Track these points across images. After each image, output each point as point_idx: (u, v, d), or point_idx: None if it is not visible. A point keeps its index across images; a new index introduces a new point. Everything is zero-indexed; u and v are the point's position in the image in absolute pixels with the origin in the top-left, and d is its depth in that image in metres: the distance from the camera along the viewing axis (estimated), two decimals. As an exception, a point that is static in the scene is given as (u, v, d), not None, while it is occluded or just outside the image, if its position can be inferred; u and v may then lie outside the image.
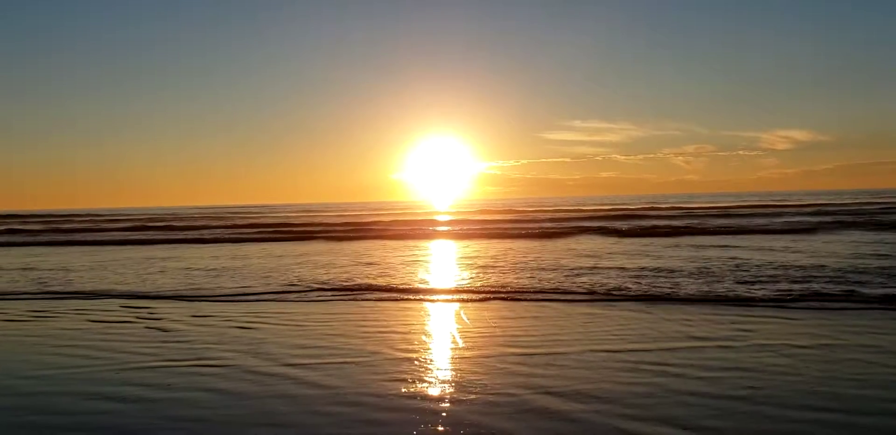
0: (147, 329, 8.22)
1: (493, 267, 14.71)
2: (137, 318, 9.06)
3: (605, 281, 11.68)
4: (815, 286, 10.37)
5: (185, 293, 11.53)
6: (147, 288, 12.30)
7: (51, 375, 5.99)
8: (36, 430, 4.57)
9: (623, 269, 13.59)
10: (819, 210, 40.02)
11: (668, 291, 10.32)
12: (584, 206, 71.57)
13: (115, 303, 10.47)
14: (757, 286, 10.56)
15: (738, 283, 11.03)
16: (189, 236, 29.89)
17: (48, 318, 9.27)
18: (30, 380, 5.87)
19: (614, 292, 10.33)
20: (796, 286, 10.44)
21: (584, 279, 12.04)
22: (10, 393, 5.48)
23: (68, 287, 12.65)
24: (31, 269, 16.67)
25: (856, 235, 21.69)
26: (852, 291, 9.78)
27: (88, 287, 12.57)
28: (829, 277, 11.35)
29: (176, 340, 7.47)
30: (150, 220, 54.64)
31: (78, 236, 31.18)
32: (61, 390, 5.50)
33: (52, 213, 79.46)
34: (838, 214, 34.19)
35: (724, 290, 10.25)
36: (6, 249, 25.86)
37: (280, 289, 11.83)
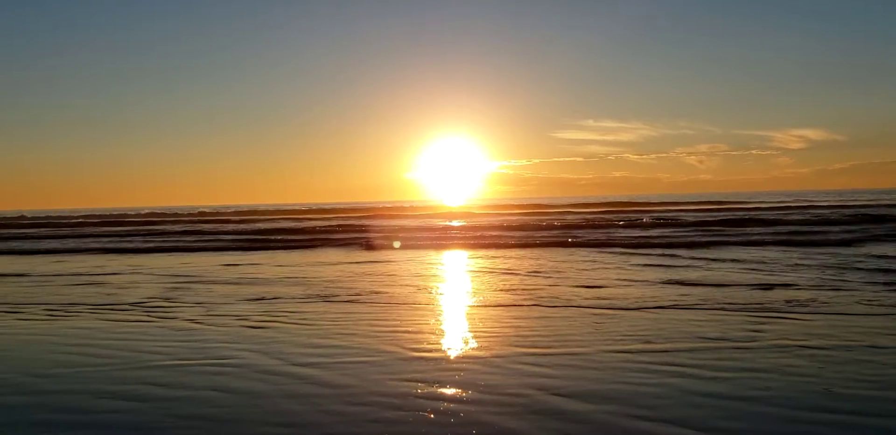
0: (160, 328, 8.27)
1: (505, 271, 14.72)
2: (151, 317, 9.12)
3: (617, 289, 11.65)
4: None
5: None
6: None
7: (65, 374, 6.04)
8: (50, 428, 4.61)
9: (646, 281, 13.55)
10: (845, 213, 36.17)
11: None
12: (605, 207, 71.17)
13: (128, 302, 10.56)
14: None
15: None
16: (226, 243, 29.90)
17: (62, 317, 9.35)
18: (44, 378, 5.92)
19: (626, 302, 10.29)
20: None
21: (598, 288, 12.02)
22: (25, 391, 5.53)
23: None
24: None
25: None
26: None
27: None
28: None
29: (189, 339, 7.51)
30: (169, 221, 54.90)
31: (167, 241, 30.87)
32: (75, 389, 5.54)
33: (85, 213, 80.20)
34: (869, 221, 29.52)
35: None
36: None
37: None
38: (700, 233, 25.31)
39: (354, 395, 5.18)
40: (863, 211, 37.90)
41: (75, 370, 6.17)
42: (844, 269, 12.74)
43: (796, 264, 13.80)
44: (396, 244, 22.98)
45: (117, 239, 30.25)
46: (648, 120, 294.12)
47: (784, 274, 12.26)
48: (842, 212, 38.11)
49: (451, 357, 6.41)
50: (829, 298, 9.29)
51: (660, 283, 11.46)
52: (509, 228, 31.72)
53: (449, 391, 5.23)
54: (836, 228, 24.89)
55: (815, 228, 25.23)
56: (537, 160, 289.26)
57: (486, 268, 14.85)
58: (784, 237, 21.25)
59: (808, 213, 38.22)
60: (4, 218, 68.42)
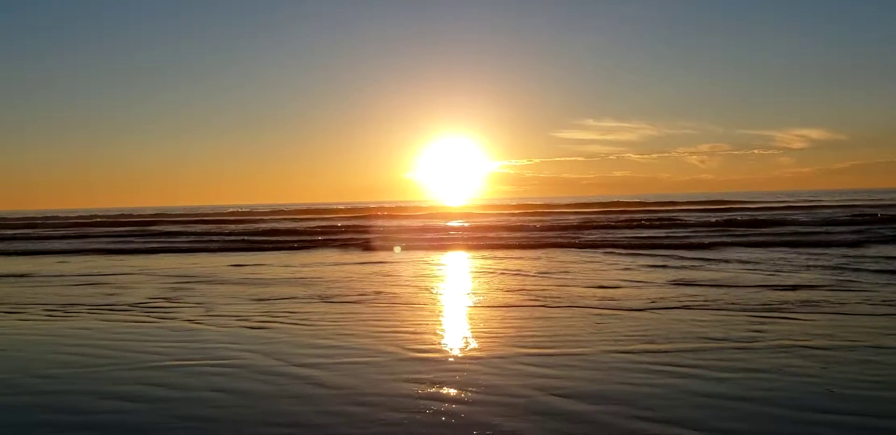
0: (160, 329, 8.26)
1: (504, 271, 14.71)
2: (151, 317, 9.11)
3: (620, 290, 11.63)
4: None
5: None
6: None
7: (64, 374, 6.03)
8: (50, 428, 4.60)
9: (645, 282, 13.53)
10: (849, 214, 35.71)
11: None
12: (607, 207, 70.98)
13: (127, 302, 10.55)
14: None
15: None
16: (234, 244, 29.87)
17: (62, 317, 9.34)
18: (44, 379, 5.91)
19: (627, 300, 10.27)
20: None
21: (602, 289, 12.00)
22: (25, 392, 5.52)
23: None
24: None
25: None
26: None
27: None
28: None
29: (189, 340, 7.50)
30: (177, 221, 54.89)
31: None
32: (75, 389, 5.53)
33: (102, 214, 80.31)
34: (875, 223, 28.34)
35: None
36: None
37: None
38: (704, 233, 25.26)
39: (355, 395, 5.17)
40: (867, 211, 37.82)
41: (75, 371, 6.16)
42: (851, 269, 12.71)
43: (802, 265, 13.78)
44: (397, 245, 22.98)
45: (118, 240, 30.27)
46: (650, 119, 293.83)
47: (789, 274, 12.24)
48: (845, 212, 38.04)
49: (452, 358, 6.40)
50: (834, 299, 9.26)
51: (664, 283, 11.44)
52: (511, 228, 31.71)
53: (450, 392, 5.22)
54: (841, 229, 24.78)
55: (820, 229, 25.15)
56: (538, 160, 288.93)
57: (487, 268, 14.84)
58: (789, 238, 21.16)
59: (813, 214, 38.12)
60: (3, 219, 68.54)
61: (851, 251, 16.65)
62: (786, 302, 9.09)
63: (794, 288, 10.40)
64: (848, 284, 10.65)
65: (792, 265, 13.72)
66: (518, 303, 9.68)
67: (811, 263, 14.10)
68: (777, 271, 12.72)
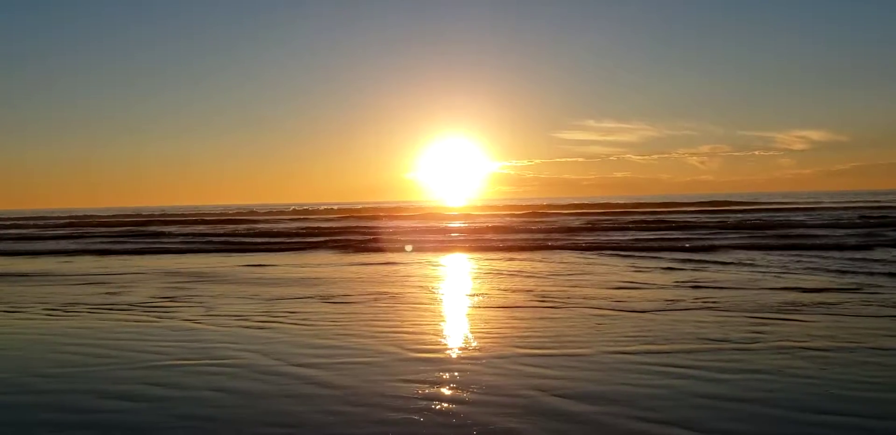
0: (160, 328, 8.26)
1: (506, 272, 14.71)
2: (151, 317, 9.11)
3: (621, 291, 11.62)
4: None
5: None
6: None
7: (64, 374, 6.03)
8: (50, 427, 4.59)
9: (649, 283, 13.51)
10: (852, 216, 35.32)
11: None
12: (608, 208, 70.88)
13: (127, 302, 10.55)
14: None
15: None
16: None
17: (62, 316, 9.34)
18: (44, 378, 5.90)
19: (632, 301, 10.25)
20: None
21: (603, 289, 11.98)
22: (25, 391, 5.52)
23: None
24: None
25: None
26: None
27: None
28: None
29: (189, 339, 7.49)
30: (163, 222, 54.87)
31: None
32: (75, 388, 5.53)
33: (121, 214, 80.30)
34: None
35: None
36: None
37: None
38: (708, 235, 25.20)
39: (354, 395, 5.16)
40: (870, 213, 37.76)
41: (75, 370, 6.16)
42: (856, 272, 12.69)
43: (807, 268, 13.77)
44: (399, 246, 22.97)
45: (117, 240, 30.30)
46: (650, 120, 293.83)
47: (794, 277, 12.23)
48: (849, 214, 37.97)
49: (452, 358, 6.39)
50: (837, 301, 9.25)
51: (668, 285, 11.43)
52: (513, 229, 31.69)
53: (450, 392, 5.21)
54: (846, 231, 24.65)
55: (825, 232, 25.02)
56: (538, 160, 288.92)
57: (489, 269, 14.84)
58: (794, 241, 20.95)
59: (816, 216, 38.07)
60: (3, 218, 68.57)
61: (857, 254, 16.61)
62: (788, 304, 9.08)
63: (798, 290, 10.39)
64: (852, 287, 10.64)
65: (797, 268, 13.71)
66: (519, 303, 9.67)
67: (817, 265, 14.08)
68: (782, 274, 12.71)
